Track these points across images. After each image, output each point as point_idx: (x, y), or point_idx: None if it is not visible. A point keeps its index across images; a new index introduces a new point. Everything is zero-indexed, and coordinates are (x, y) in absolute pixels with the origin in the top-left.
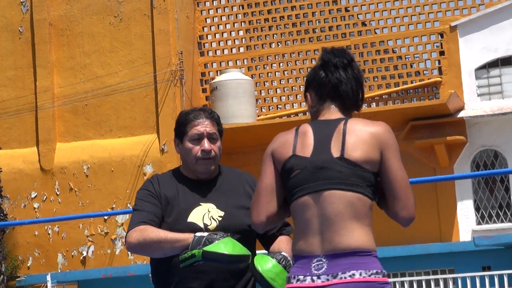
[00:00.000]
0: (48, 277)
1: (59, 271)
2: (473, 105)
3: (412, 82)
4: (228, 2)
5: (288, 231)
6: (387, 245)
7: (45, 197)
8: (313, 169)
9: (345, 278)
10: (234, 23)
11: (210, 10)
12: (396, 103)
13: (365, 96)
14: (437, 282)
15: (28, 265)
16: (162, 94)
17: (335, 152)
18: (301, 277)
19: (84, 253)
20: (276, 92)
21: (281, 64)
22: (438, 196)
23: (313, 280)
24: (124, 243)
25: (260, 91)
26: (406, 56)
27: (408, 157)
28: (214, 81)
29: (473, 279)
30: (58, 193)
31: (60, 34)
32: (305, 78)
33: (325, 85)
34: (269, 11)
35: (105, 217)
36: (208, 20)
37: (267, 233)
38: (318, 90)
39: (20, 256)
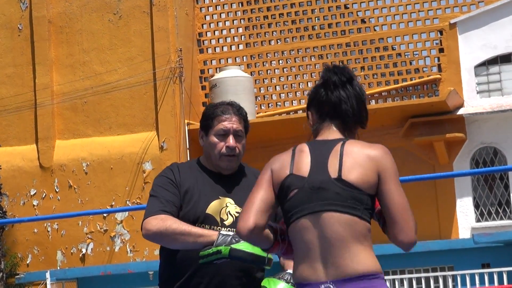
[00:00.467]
0: (48, 275)
1: (59, 268)
2: (473, 102)
3: (411, 79)
4: None
5: None
6: (386, 242)
7: (44, 194)
8: (311, 189)
9: None
10: (233, 21)
11: (209, 8)
12: (396, 100)
13: (366, 93)
14: (436, 279)
15: (28, 262)
16: (161, 91)
17: (333, 173)
18: None
19: (84, 251)
20: (276, 89)
21: (280, 62)
22: (437, 194)
23: None
24: (123, 240)
25: (260, 88)
26: (406, 53)
27: (408, 154)
28: (213, 78)
29: (472, 276)
30: (57, 190)
31: (59, 31)
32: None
33: (325, 104)
34: (268, 8)
35: (104, 215)
36: (208, 18)
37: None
38: (318, 109)
39: (19, 254)
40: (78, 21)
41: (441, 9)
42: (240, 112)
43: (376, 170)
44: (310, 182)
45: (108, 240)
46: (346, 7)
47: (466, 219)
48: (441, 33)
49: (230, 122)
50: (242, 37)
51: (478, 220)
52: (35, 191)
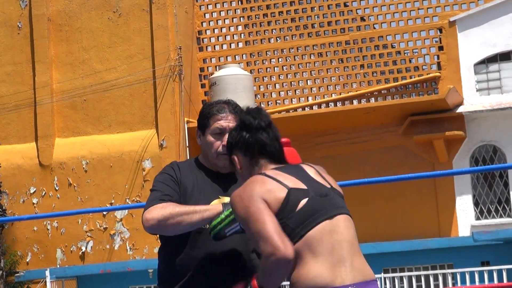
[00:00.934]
0: (47, 273)
1: (58, 266)
2: (472, 100)
3: (411, 77)
4: None
5: None
6: (386, 240)
7: (44, 192)
8: (320, 197)
9: None
10: (233, 18)
11: (209, 5)
12: (395, 98)
13: (365, 91)
14: (436, 277)
15: (27, 260)
16: (161, 89)
17: (326, 184)
18: None
19: (83, 249)
20: (275, 87)
21: (280, 59)
22: (437, 191)
23: None
24: (123, 238)
25: (259, 86)
26: (405, 51)
27: (407, 152)
28: (213, 76)
29: (472, 274)
30: (57, 188)
31: (59, 29)
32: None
33: (252, 145)
34: (268, 6)
35: (104, 213)
36: (207, 15)
37: None
38: (247, 150)
39: (19, 252)
40: (77, 19)
41: (440, 7)
42: (236, 111)
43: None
44: (315, 191)
45: (107, 238)
46: (345, 5)
47: (465, 217)
48: (441, 31)
49: (226, 121)
50: (242, 35)
51: (477, 218)
52: (34, 189)
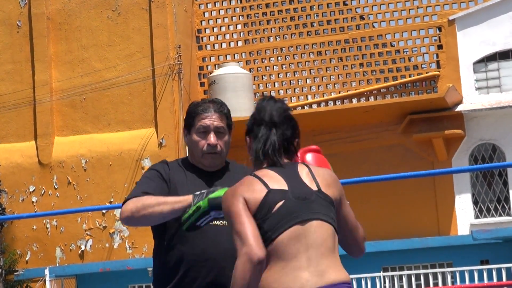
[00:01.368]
0: (47, 271)
1: (57, 265)
2: (471, 99)
3: (410, 76)
4: None
5: None
6: (385, 238)
7: (43, 191)
8: (297, 199)
9: None
10: (232, 17)
11: (208, 4)
12: (394, 97)
13: (364, 89)
14: (435, 275)
15: (27, 259)
16: (160, 88)
17: (312, 186)
18: None
19: (82, 247)
20: (274, 86)
21: (279, 58)
22: (436, 190)
23: None
24: (122, 237)
25: (258, 84)
26: (404, 50)
27: (406, 151)
28: (212, 75)
29: (471, 272)
30: (56, 187)
31: (58, 28)
32: (303, 73)
33: (260, 137)
34: (267, 5)
35: (103, 211)
36: (206, 14)
37: None
38: (256, 139)
39: (18, 250)
40: (77, 18)
41: (439, 5)
42: (221, 110)
43: (339, 192)
44: (294, 193)
45: (107, 236)
46: (344, 3)
47: (465, 216)
48: (440, 30)
49: (210, 120)
50: (241, 33)
51: (477, 217)
52: (34, 187)
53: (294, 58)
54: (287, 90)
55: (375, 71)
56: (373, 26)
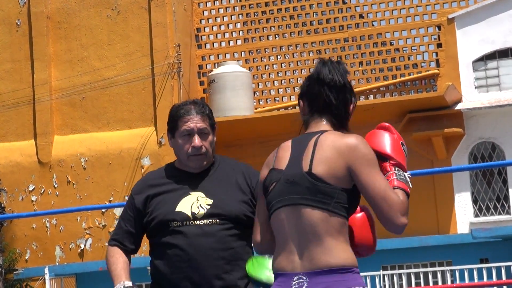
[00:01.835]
0: (46, 270)
1: (57, 264)
2: (471, 97)
3: (409, 75)
4: None
5: None
6: (384, 237)
7: (42, 190)
8: (285, 183)
9: None
10: (231, 16)
11: (207, 3)
12: (394, 95)
13: (363, 88)
14: (434, 274)
15: (26, 258)
16: (159, 86)
17: (305, 166)
18: None
19: (82, 246)
20: (274, 84)
21: (278, 57)
22: (435, 189)
23: None
24: None
25: (258, 83)
26: (404, 49)
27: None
28: (211, 73)
29: (470, 271)
30: (55, 186)
31: (58, 27)
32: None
33: (317, 100)
34: (266, 4)
35: (103, 210)
36: (206, 13)
37: None
38: (310, 102)
39: (18, 249)
40: (76, 17)
41: (439, 4)
42: (203, 111)
43: (345, 164)
44: (285, 175)
45: (106, 235)
46: (344, 2)
47: (464, 214)
48: (439, 28)
49: (193, 122)
50: (240, 32)
51: (476, 215)
52: (33, 186)
53: (293, 57)
54: (287, 88)
55: (375, 70)
56: (373, 25)
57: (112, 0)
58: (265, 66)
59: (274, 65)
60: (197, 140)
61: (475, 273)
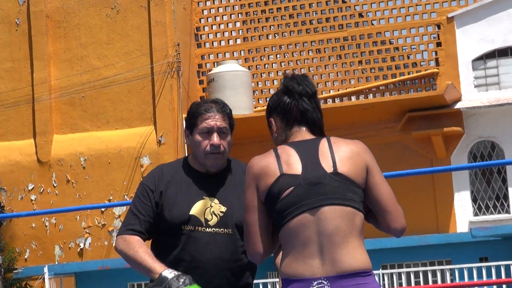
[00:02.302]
0: (45, 269)
1: (56, 263)
2: (470, 96)
3: (409, 73)
4: None
5: None
6: (384, 236)
7: (42, 189)
8: (308, 186)
9: None
10: (231, 15)
11: (207, 2)
12: (393, 94)
13: (363, 87)
14: (434, 273)
15: (26, 257)
16: (159, 85)
17: (328, 167)
18: None
19: (81, 245)
20: (273, 83)
21: (278, 56)
22: (435, 188)
23: None
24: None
25: (257, 82)
26: (403, 47)
27: (405, 149)
28: (211, 72)
29: (470, 270)
30: (55, 185)
31: (57, 26)
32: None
33: (291, 111)
34: (265, 3)
35: (102, 209)
36: (205, 12)
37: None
38: (284, 116)
39: (17, 248)
40: (75, 16)
41: (438, 3)
42: (223, 110)
43: (365, 164)
44: (306, 179)
45: (106, 234)
46: (343, 1)
47: (464, 213)
48: (439, 27)
49: (213, 120)
50: (240, 31)
51: (475, 214)
52: (33, 185)
53: (293, 56)
54: None
55: (374, 69)
56: (372, 24)
57: None
58: (264, 65)
59: (273, 64)
60: (215, 138)
61: (475, 272)
